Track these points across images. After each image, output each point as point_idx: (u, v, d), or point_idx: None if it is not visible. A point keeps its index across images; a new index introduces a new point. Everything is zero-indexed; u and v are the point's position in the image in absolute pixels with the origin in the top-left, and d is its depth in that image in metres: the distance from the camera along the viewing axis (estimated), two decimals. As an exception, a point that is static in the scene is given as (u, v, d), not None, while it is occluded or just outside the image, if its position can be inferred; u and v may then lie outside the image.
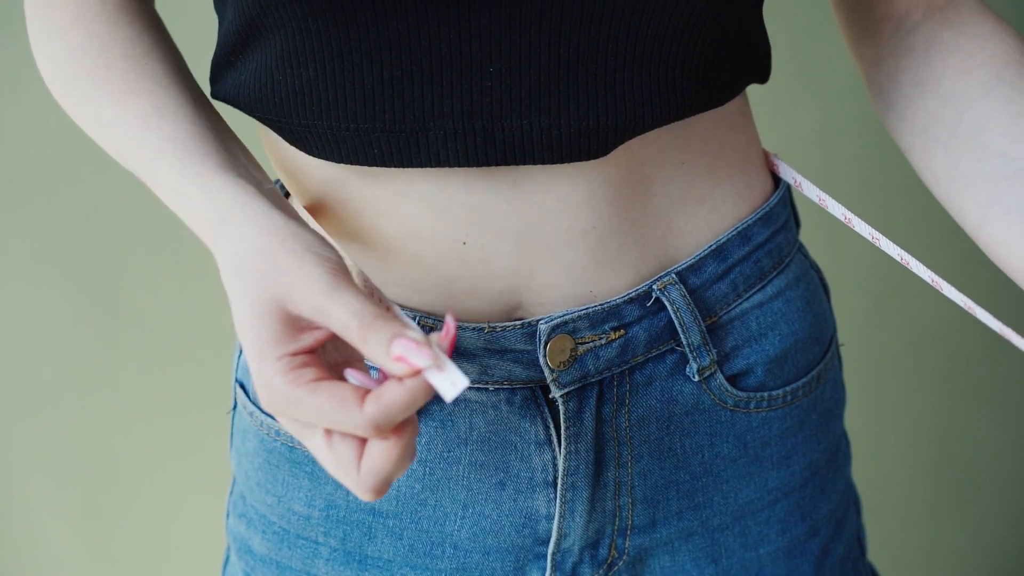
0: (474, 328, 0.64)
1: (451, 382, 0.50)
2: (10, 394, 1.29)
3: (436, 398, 0.66)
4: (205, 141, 0.61)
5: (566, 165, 0.62)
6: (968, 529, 1.71)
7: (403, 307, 0.65)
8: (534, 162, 0.60)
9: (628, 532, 0.70)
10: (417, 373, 0.50)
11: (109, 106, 0.63)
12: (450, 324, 0.51)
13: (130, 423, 1.33)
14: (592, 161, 0.62)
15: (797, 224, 0.78)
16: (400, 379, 0.50)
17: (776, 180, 0.75)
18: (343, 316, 0.51)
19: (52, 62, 0.66)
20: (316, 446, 0.53)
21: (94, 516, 1.37)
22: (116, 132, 0.63)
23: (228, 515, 0.79)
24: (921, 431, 1.65)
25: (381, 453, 0.51)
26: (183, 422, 1.33)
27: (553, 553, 0.69)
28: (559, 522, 0.68)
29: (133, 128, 0.62)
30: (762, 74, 0.69)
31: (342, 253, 0.66)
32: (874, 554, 1.11)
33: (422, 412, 0.66)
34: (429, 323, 0.64)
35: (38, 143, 1.19)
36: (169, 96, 0.63)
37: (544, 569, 0.70)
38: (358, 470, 0.51)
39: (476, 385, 0.66)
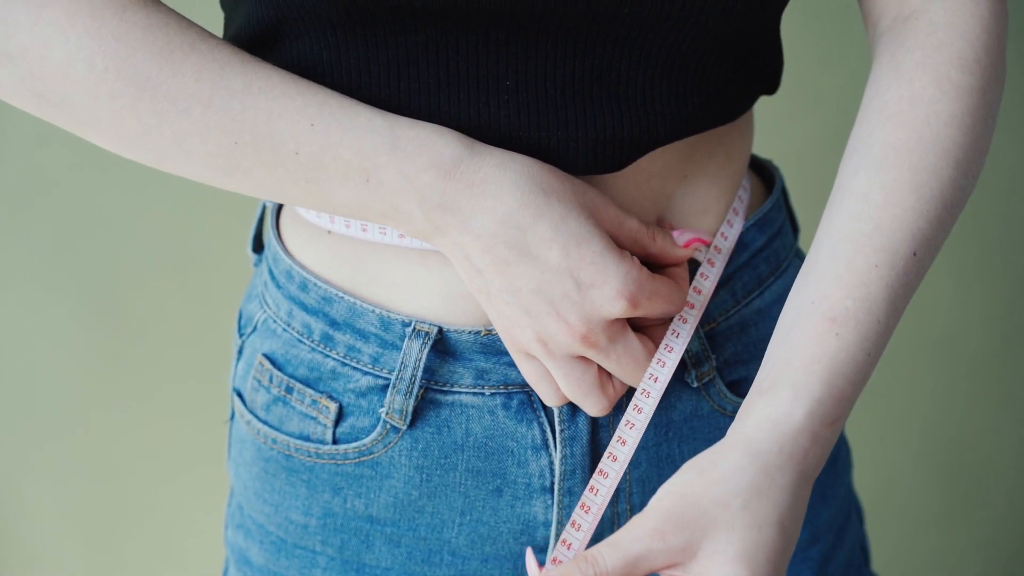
0: (470, 331, 0.64)
1: (715, 246, 0.67)
2: (15, 402, 1.29)
3: (430, 404, 0.66)
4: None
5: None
6: (979, 536, 1.70)
7: (403, 313, 0.65)
8: None
9: (627, 539, 0.70)
10: (704, 243, 0.65)
11: (239, 74, 0.58)
12: (680, 233, 0.64)
13: (132, 431, 1.33)
14: (607, 176, 0.63)
15: (796, 230, 0.78)
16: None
17: (769, 185, 0.75)
18: (636, 224, 0.61)
19: (113, 41, 0.57)
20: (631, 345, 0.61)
21: (96, 527, 1.37)
22: (255, 99, 0.58)
23: (226, 527, 0.79)
24: (929, 436, 1.64)
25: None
26: (187, 431, 1.32)
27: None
28: (556, 529, 0.68)
29: (288, 89, 0.58)
30: (772, 87, 0.69)
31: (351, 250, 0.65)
32: (882, 561, 1.10)
33: (418, 419, 0.66)
34: (424, 328, 0.64)
35: (39, 145, 1.19)
36: (274, 69, 0.59)
37: (543, 577, 0.69)
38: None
39: (472, 390, 0.66)
